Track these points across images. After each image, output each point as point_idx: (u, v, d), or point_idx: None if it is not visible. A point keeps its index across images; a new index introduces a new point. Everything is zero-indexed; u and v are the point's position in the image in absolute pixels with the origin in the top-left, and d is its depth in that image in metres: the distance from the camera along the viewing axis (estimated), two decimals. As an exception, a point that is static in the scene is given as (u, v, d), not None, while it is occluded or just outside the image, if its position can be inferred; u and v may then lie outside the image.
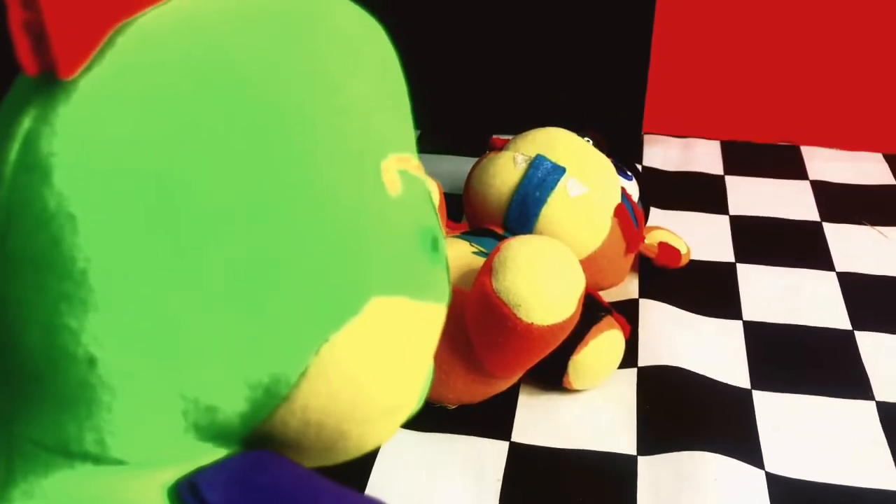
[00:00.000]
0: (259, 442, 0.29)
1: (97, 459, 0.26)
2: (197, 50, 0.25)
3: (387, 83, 0.30)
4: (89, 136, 0.24)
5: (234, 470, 0.27)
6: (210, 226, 0.25)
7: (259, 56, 0.26)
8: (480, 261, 0.55)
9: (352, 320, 0.27)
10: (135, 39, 0.25)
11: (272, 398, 0.27)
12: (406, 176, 0.29)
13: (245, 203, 0.25)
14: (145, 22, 0.26)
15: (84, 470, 0.26)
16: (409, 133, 0.31)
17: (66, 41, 0.23)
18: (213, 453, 0.28)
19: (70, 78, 0.24)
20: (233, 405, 0.27)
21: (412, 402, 0.31)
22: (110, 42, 0.25)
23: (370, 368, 0.28)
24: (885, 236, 0.75)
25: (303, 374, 0.26)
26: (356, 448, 0.30)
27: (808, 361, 0.61)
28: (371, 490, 0.50)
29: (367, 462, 0.52)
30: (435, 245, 0.30)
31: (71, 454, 0.26)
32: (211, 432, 0.27)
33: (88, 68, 0.25)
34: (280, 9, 0.27)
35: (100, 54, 0.25)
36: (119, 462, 0.26)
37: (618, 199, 0.60)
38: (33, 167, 0.24)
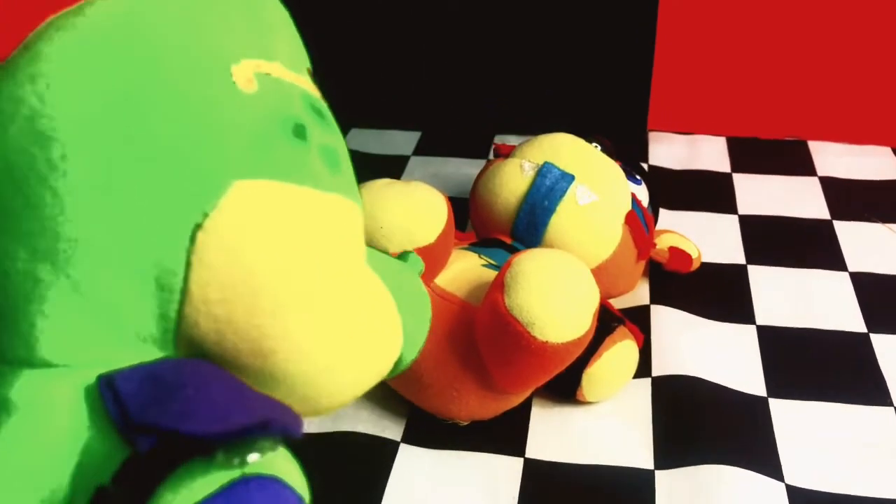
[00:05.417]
0: (193, 354, 0.30)
1: (28, 363, 0.29)
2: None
3: (249, 15, 0.34)
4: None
5: (153, 369, 0.29)
6: (84, 130, 0.28)
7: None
8: (491, 274, 0.54)
9: (219, 204, 0.29)
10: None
11: (169, 292, 0.29)
12: (264, 78, 0.32)
13: (111, 112, 0.29)
14: None
15: (9, 375, 0.29)
16: (277, 47, 0.34)
17: None
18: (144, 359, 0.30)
19: None
20: (136, 301, 0.29)
21: (330, 293, 0.32)
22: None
23: (253, 250, 0.29)
24: (897, 233, 0.74)
25: (188, 265, 0.29)
26: (284, 356, 0.31)
27: (823, 366, 0.60)
28: (385, 511, 0.50)
29: (380, 480, 0.51)
30: (300, 133, 0.32)
31: (5, 360, 0.29)
32: (130, 333, 0.29)
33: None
34: None
35: None
36: (46, 364, 0.29)
37: (628, 206, 0.59)
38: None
